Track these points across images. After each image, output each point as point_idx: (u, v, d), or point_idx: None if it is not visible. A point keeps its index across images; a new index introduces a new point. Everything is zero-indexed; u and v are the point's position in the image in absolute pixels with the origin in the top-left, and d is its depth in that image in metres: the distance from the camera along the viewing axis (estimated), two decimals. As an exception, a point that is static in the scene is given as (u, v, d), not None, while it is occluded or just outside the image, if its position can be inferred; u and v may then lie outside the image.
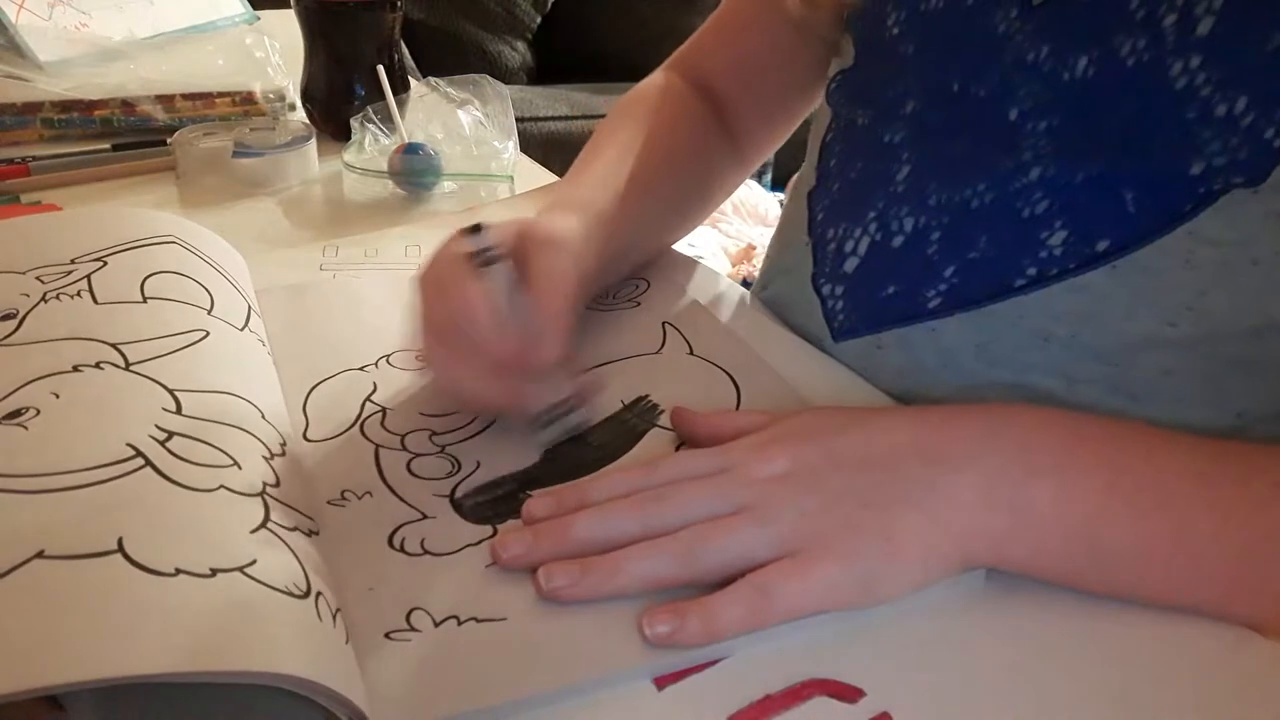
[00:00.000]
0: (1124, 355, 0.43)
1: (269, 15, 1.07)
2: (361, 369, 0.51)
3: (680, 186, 0.62)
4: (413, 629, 0.35)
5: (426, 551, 0.39)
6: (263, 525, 0.35)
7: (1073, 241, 0.43)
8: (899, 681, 0.34)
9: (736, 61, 0.65)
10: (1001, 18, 0.44)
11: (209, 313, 0.48)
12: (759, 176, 1.95)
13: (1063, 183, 0.43)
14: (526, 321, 0.43)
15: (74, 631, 0.28)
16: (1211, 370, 0.42)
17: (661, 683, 0.34)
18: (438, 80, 0.84)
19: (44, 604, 0.29)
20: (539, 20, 1.98)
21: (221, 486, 0.36)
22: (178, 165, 0.77)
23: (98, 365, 0.41)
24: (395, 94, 0.79)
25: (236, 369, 0.45)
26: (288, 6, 0.82)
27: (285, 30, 0.89)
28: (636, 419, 0.48)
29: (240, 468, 0.38)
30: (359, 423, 0.47)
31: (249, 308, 0.51)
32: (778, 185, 1.99)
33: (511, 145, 0.79)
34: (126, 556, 0.31)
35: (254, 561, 0.33)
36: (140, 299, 0.47)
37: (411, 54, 1.65)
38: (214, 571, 0.32)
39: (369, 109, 0.77)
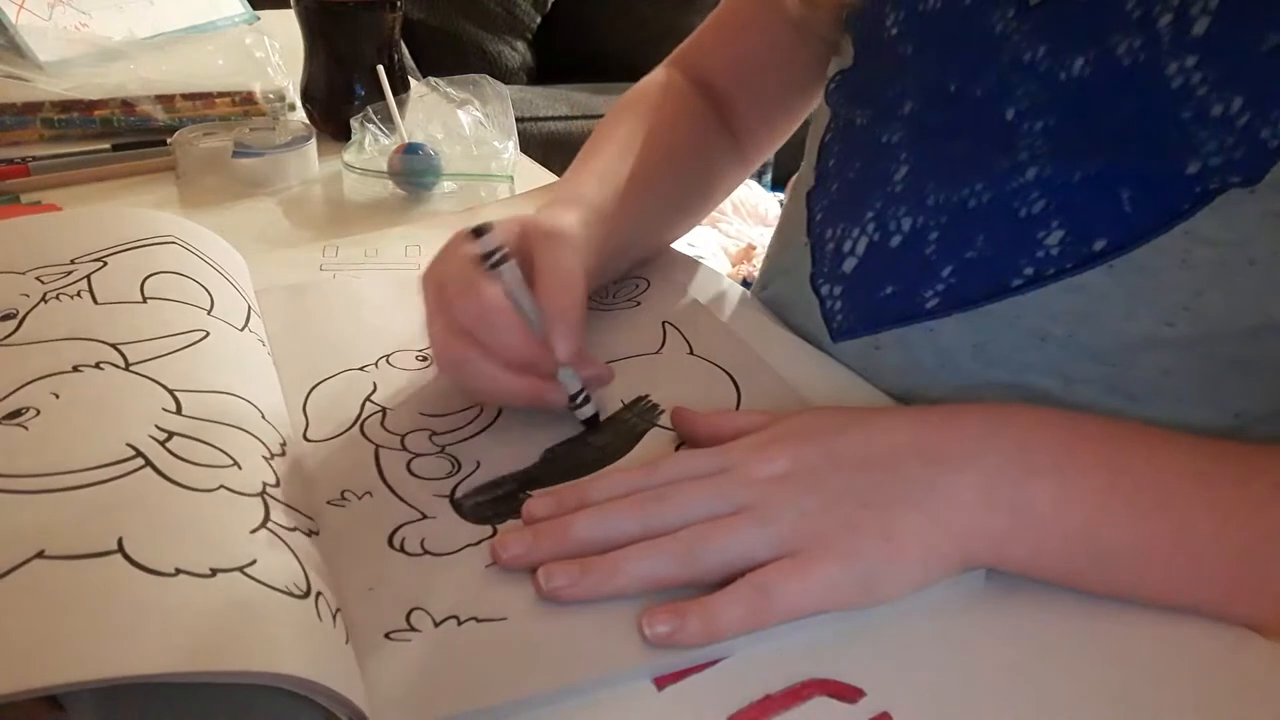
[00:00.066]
0: (1122, 355, 0.43)
1: (269, 15, 1.07)
2: (361, 369, 0.51)
3: (681, 182, 0.62)
4: (413, 629, 0.35)
5: (426, 551, 0.39)
6: (263, 525, 0.35)
7: (1069, 241, 0.43)
8: (899, 681, 0.34)
9: (736, 60, 0.65)
10: (999, 18, 0.44)
11: (209, 313, 0.48)
12: (759, 176, 1.95)
13: (1059, 182, 0.43)
14: (538, 318, 0.44)
15: (74, 631, 0.28)
16: (1209, 370, 0.42)
17: (661, 683, 0.34)
18: (438, 80, 0.84)
19: (44, 604, 0.29)
20: (539, 20, 1.98)
21: (221, 486, 0.36)
22: (178, 165, 0.77)
23: (98, 365, 0.41)
24: (395, 94, 0.79)
25: (236, 369, 0.45)
26: (288, 6, 0.82)
27: (285, 30, 0.89)
28: (636, 419, 0.48)
29: (240, 468, 0.38)
30: (359, 423, 0.47)
31: (249, 308, 0.51)
32: (778, 185, 1.99)
33: (511, 145, 0.79)
34: (126, 556, 0.31)
35: (254, 561, 0.33)
36: (140, 299, 0.47)
37: (411, 54, 1.65)
38: (214, 571, 0.32)
39: (369, 109, 0.77)
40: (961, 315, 0.47)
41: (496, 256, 0.44)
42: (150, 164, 0.78)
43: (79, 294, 0.46)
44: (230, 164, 0.75)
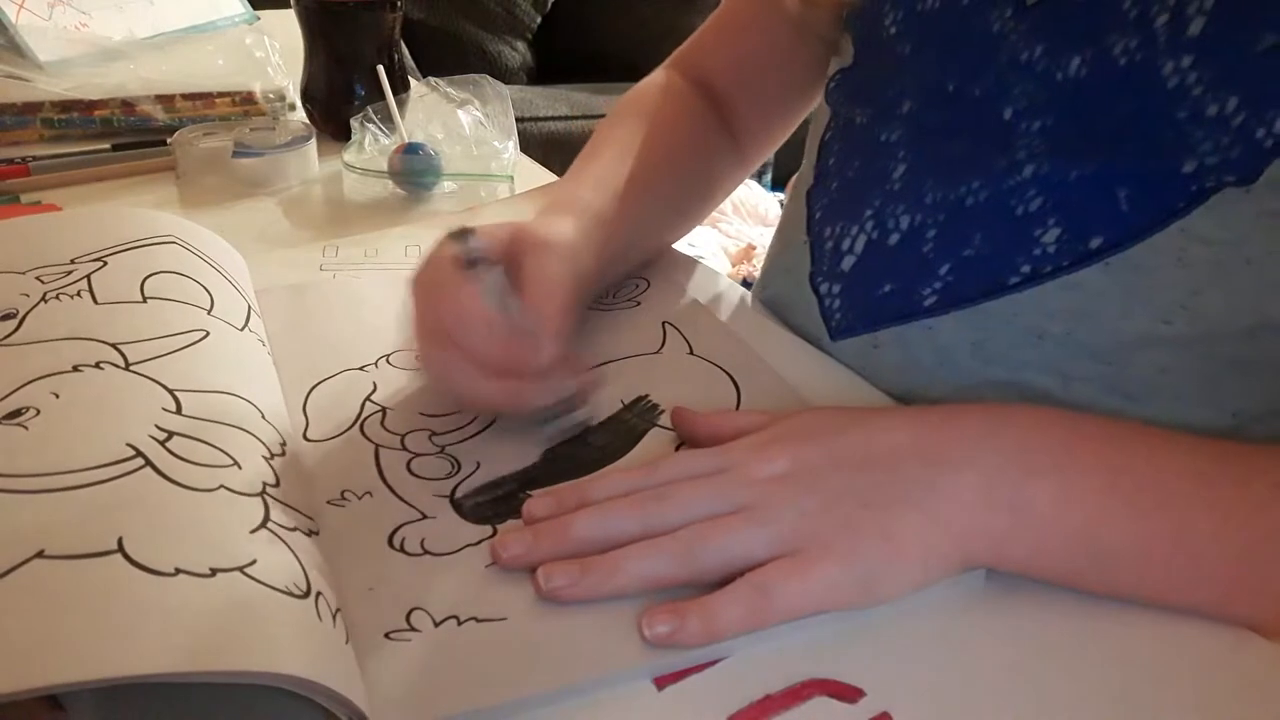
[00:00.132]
0: (1119, 353, 0.43)
1: (269, 15, 1.08)
2: (361, 369, 0.51)
3: (680, 184, 0.62)
4: (413, 629, 0.35)
5: (426, 551, 0.39)
6: (263, 525, 0.35)
7: (1066, 239, 0.43)
8: (899, 681, 0.34)
9: (736, 61, 0.65)
10: (996, 17, 0.44)
11: (209, 313, 0.48)
12: (759, 176, 1.95)
13: (1056, 181, 0.43)
14: (520, 324, 0.43)
15: (74, 631, 0.28)
16: (1208, 369, 0.42)
17: (661, 683, 0.34)
18: (438, 80, 0.84)
19: (44, 604, 0.29)
20: (539, 20, 1.98)
21: (221, 486, 0.36)
22: (178, 165, 0.77)
23: (98, 365, 0.41)
24: (395, 94, 0.79)
25: (236, 369, 0.45)
26: (288, 6, 0.82)
27: (285, 30, 0.89)
28: (636, 419, 0.48)
29: (240, 467, 0.38)
30: (359, 423, 0.47)
31: (249, 308, 0.51)
32: (778, 185, 1.99)
33: (511, 145, 0.79)
34: (126, 556, 0.31)
35: (254, 561, 0.33)
36: (140, 299, 0.47)
37: (411, 54, 1.65)
38: (214, 571, 0.32)
39: (369, 109, 0.77)
40: (959, 313, 0.47)
41: (476, 258, 0.44)
42: (150, 164, 0.78)
43: (79, 294, 0.46)
44: (230, 164, 0.75)
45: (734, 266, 1.63)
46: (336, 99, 0.82)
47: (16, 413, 0.38)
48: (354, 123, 0.77)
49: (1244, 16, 0.37)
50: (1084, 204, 0.43)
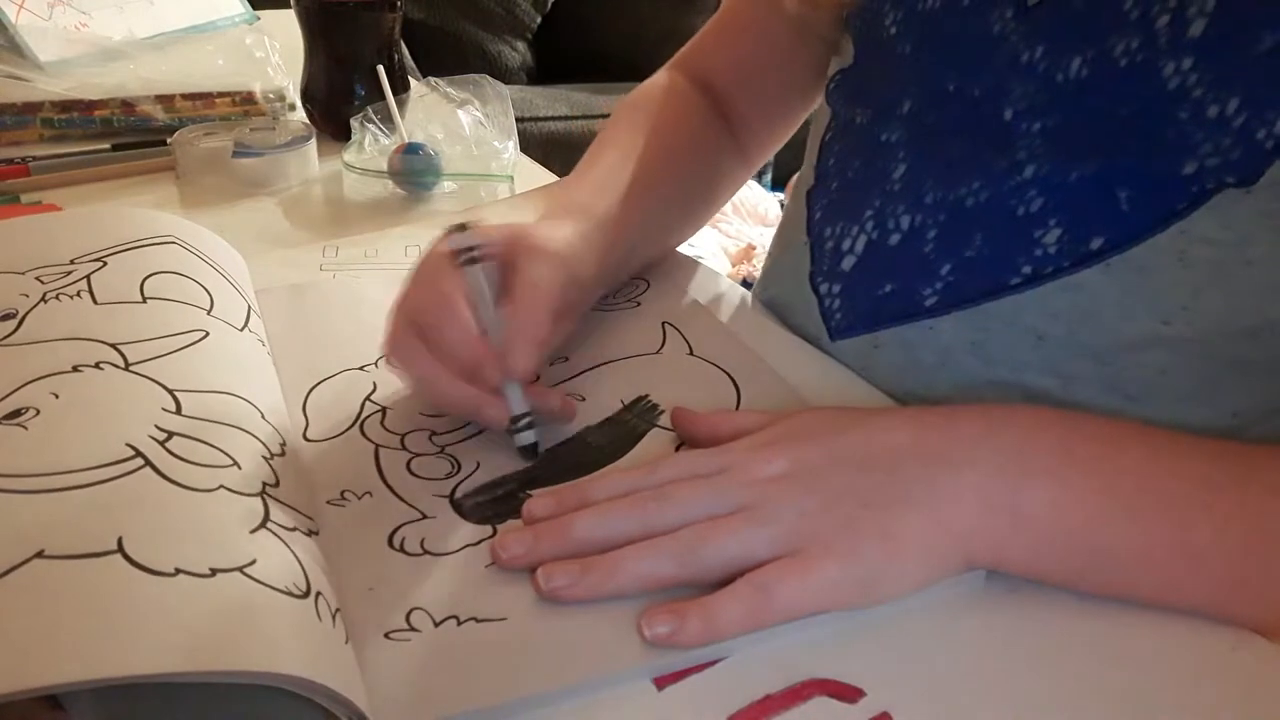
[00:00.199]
0: (1119, 354, 0.43)
1: (269, 15, 1.08)
2: (361, 369, 0.51)
3: (683, 185, 0.62)
4: (413, 629, 0.35)
5: (426, 551, 0.39)
6: (262, 525, 0.35)
7: (1067, 240, 0.43)
8: (899, 681, 0.34)
9: (736, 61, 0.65)
10: (997, 18, 0.44)
11: (209, 313, 0.48)
12: (759, 176, 1.95)
13: (1057, 181, 0.43)
14: (496, 329, 0.43)
15: (74, 631, 0.28)
16: (1208, 370, 0.42)
17: (661, 683, 0.34)
18: (438, 80, 0.84)
19: (44, 604, 0.29)
20: (539, 20, 1.98)
21: (221, 486, 0.36)
22: (178, 165, 0.77)
23: (97, 365, 0.41)
24: (395, 94, 0.79)
25: (236, 369, 0.45)
26: (288, 6, 0.82)
27: (285, 30, 0.89)
28: (636, 419, 0.48)
29: (240, 467, 0.38)
30: (359, 422, 0.47)
31: (249, 308, 0.51)
32: (778, 185, 1.99)
33: (511, 145, 0.79)
34: (126, 556, 0.31)
35: (253, 561, 0.33)
36: (140, 299, 0.47)
37: (411, 54, 1.65)
38: (214, 571, 0.32)
39: (369, 109, 0.77)
40: (960, 313, 0.47)
41: (469, 254, 0.44)
42: (150, 164, 0.78)
43: (79, 294, 0.46)
44: (230, 164, 0.75)
45: (734, 267, 1.63)
46: (336, 99, 0.82)
47: (16, 413, 0.38)
48: (354, 123, 0.77)
49: (1245, 17, 0.37)
50: (1085, 205, 0.43)
